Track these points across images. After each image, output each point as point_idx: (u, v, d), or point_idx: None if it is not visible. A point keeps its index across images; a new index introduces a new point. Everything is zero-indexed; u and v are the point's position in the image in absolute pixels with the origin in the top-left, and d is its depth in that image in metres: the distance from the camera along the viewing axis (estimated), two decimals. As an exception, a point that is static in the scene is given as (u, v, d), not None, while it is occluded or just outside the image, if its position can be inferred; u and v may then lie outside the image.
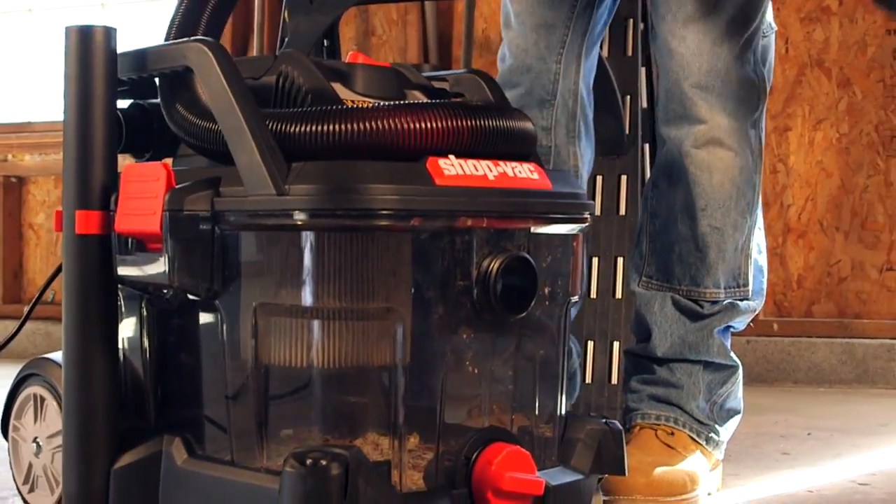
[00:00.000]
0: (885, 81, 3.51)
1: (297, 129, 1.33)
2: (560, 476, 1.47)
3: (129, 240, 1.45)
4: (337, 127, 1.32)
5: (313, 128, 1.33)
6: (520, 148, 1.45)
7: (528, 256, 1.39)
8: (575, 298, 1.51)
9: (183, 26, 1.62)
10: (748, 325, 1.99)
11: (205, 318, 1.44)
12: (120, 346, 1.53)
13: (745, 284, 1.90)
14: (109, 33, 1.48)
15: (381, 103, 1.37)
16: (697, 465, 1.80)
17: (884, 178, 3.51)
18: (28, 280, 4.49)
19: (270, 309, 1.34)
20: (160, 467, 1.46)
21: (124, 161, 1.53)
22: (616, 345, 2.43)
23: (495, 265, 1.36)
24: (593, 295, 2.42)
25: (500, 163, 1.40)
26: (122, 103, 1.58)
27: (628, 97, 2.54)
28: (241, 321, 1.37)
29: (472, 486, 1.35)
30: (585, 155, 1.97)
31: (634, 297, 1.96)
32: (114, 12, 4.45)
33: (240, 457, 1.39)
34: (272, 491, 1.28)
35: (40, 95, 4.53)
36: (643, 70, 2.58)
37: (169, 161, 1.54)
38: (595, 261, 2.43)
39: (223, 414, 1.41)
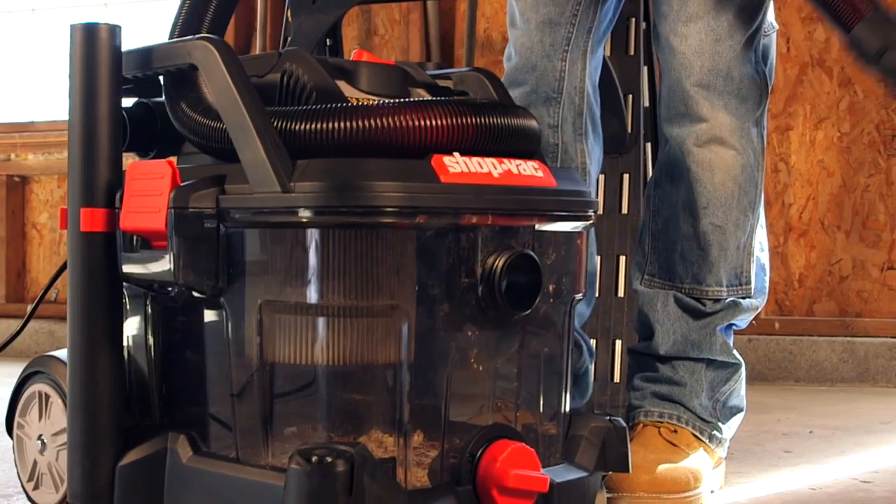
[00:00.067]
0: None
1: (303, 127, 1.34)
2: (564, 473, 1.48)
3: (134, 237, 1.46)
4: (342, 124, 1.32)
5: (318, 125, 1.33)
6: (524, 145, 1.45)
7: (532, 254, 1.39)
8: (579, 296, 1.51)
9: (186, 25, 1.62)
10: (751, 322, 1.99)
11: (210, 315, 1.44)
12: (125, 343, 1.53)
13: (748, 282, 1.90)
14: (114, 31, 1.49)
15: (386, 101, 1.37)
16: (701, 462, 1.81)
17: (885, 178, 3.51)
18: (31, 279, 4.49)
19: (275, 306, 1.34)
20: (165, 465, 1.47)
21: (128, 159, 1.54)
22: (618, 343, 2.43)
23: (500, 262, 1.36)
24: (595, 293, 2.43)
25: (505, 160, 1.40)
26: (127, 102, 1.58)
27: (630, 96, 2.55)
28: (246, 319, 1.37)
29: (477, 483, 1.36)
30: (593, 152, 1.97)
31: (637, 296, 1.97)
32: (116, 12, 4.45)
33: (245, 454, 1.40)
34: (277, 488, 1.28)
35: (43, 95, 4.53)
36: (645, 69, 2.59)
37: (173, 159, 1.54)
38: (598, 260, 2.43)
39: (228, 411, 1.41)
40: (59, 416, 1.63)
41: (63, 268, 1.57)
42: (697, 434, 1.85)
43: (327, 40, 2.70)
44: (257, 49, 3.95)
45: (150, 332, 1.52)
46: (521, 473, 1.34)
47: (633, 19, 2.58)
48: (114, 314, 1.49)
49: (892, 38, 1.57)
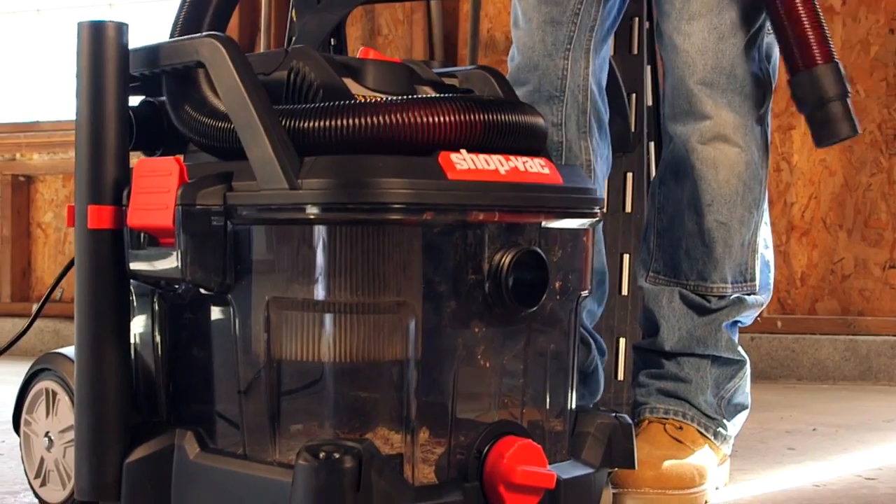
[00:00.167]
0: (888, 80, 3.52)
1: (310, 124, 1.34)
2: (571, 469, 1.48)
3: (142, 234, 1.46)
4: (349, 121, 1.33)
5: (325, 122, 1.33)
6: (531, 143, 1.46)
7: (539, 251, 1.40)
8: (585, 293, 1.51)
9: (187, 24, 1.62)
10: (755, 319, 1.99)
11: (217, 312, 1.45)
12: (132, 340, 1.53)
13: (752, 279, 1.91)
14: (121, 29, 1.49)
15: (393, 98, 1.37)
16: (706, 459, 1.81)
17: (887, 177, 3.51)
18: (36, 278, 4.50)
19: (283, 303, 1.34)
20: (172, 461, 1.47)
21: (134, 158, 1.54)
22: (623, 341, 2.44)
23: (507, 259, 1.36)
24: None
25: (512, 157, 1.40)
26: (133, 100, 1.59)
27: (634, 95, 2.55)
28: (253, 315, 1.37)
29: (484, 479, 1.36)
30: (599, 150, 1.97)
31: (641, 294, 1.97)
32: (121, 12, 4.45)
33: (252, 450, 1.40)
34: (285, 484, 1.28)
35: (48, 95, 4.54)
36: (648, 68, 2.59)
37: (180, 157, 1.54)
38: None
39: (235, 408, 1.42)
40: (66, 412, 1.63)
41: (70, 265, 1.57)
42: (702, 431, 1.85)
43: (331, 40, 2.71)
44: (262, 49, 3.96)
45: (157, 329, 1.52)
46: (527, 470, 1.34)
47: (637, 18, 2.58)
48: (121, 311, 1.50)
49: (830, 95, 1.69)
